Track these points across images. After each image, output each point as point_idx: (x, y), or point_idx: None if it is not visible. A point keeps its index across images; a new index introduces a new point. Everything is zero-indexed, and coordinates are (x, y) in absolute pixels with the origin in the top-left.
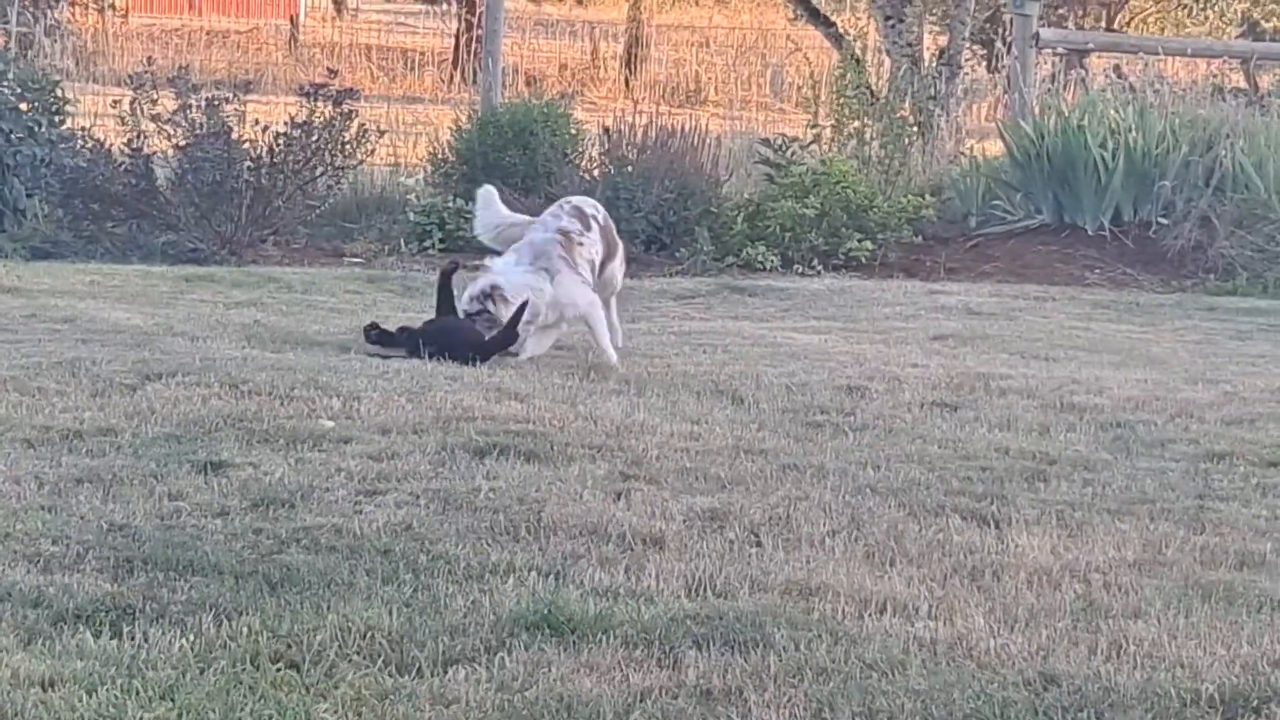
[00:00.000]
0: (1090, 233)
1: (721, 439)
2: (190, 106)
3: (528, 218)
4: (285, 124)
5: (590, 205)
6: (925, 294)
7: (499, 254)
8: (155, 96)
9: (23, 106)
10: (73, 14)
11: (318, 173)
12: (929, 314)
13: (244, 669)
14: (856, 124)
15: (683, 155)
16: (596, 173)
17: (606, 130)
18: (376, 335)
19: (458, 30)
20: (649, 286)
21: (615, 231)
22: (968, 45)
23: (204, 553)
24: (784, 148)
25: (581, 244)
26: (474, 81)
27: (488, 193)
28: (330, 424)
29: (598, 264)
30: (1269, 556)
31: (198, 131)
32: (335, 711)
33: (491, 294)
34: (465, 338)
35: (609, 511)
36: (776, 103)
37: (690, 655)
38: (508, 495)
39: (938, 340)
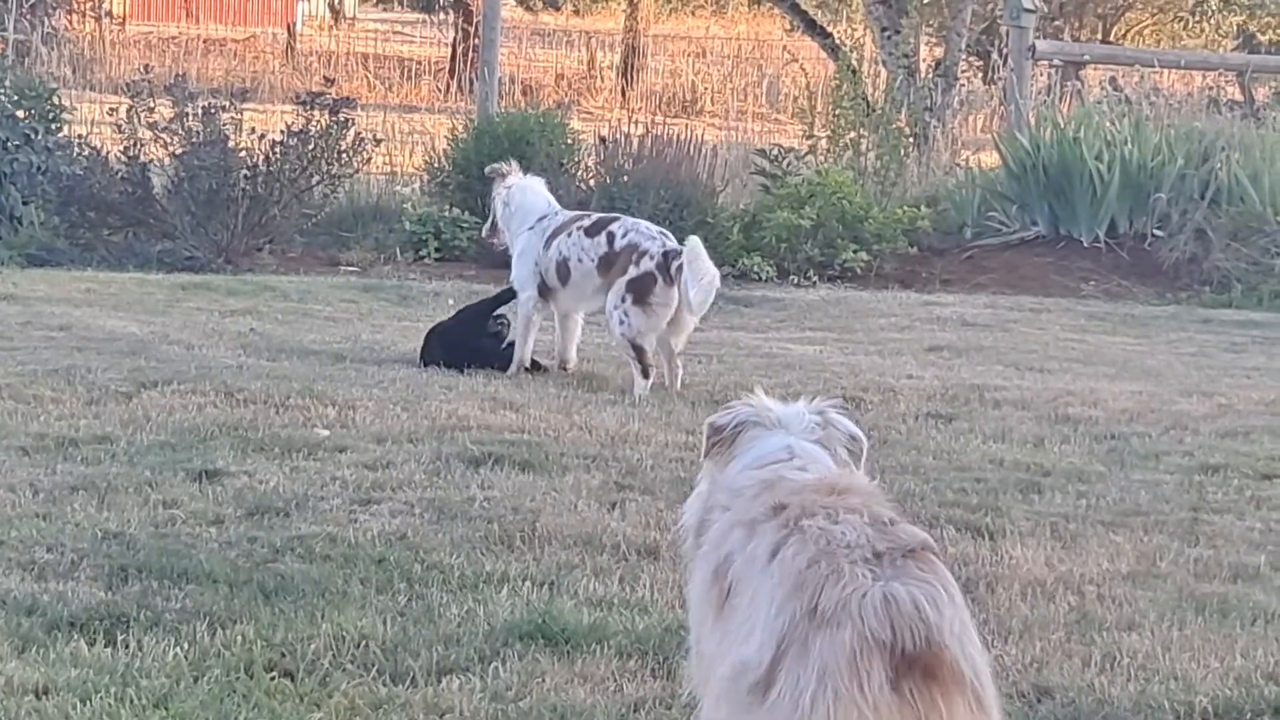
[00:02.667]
0: (1086, 244)
1: None
2: (187, 115)
3: None
4: (282, 132)
5: None
6: (920, 305)
7: None
8: (152, 104)
9: (19, 114)
10: (70, 21)
11: (314, 181)
12: (924, 325)
13: (238, 678)
14: (852, 135)
15: (678, 165)
16: (592, 182)
17: (603, 140)
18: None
19: (454, 39)
20: None
21: None
22: (964, 57)
23: (198, 561)
24: (780, 158)
25: None
26: (470, 91)
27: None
28: (325, 433)
29: None
30: (1263, 569)
31: (194, 140)
32: None
33: None
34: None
35: (603, 521)
36: (773, 113)
37: (684, 666)
38: (502, 505)
39: (933, 351)
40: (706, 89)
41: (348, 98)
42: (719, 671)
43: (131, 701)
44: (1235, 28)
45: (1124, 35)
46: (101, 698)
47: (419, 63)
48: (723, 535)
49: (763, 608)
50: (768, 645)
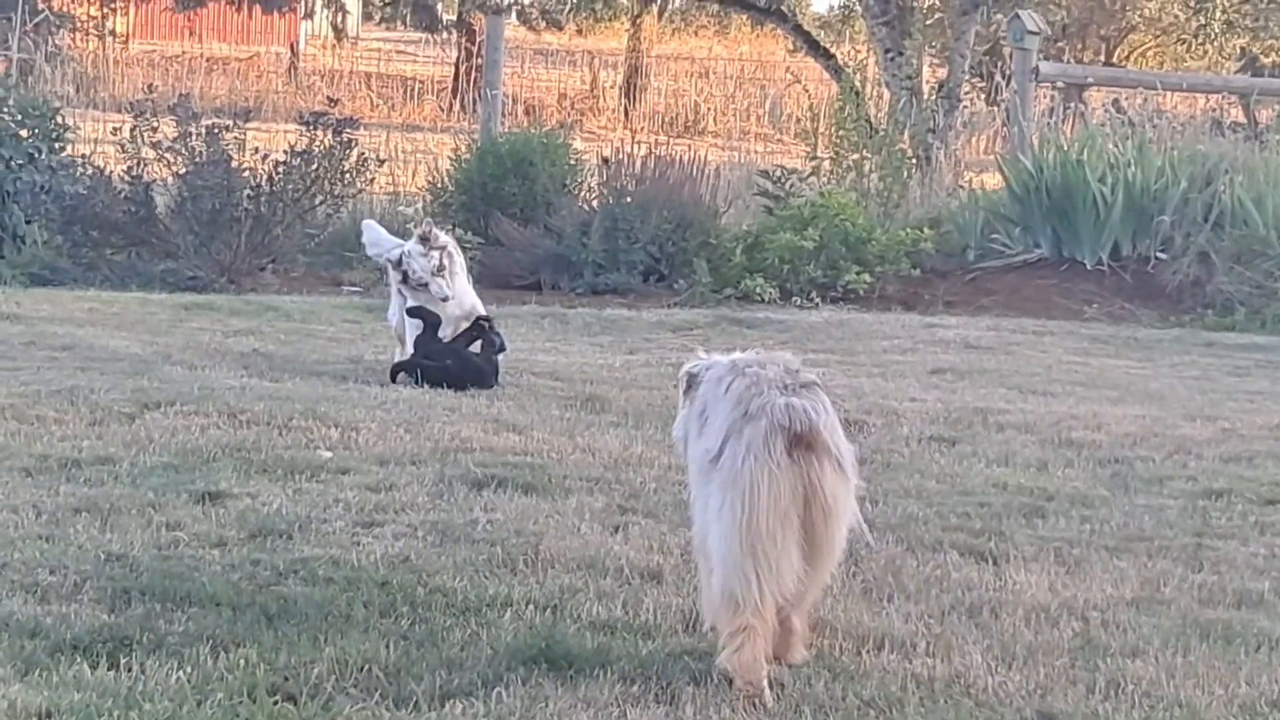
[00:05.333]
0: (1089, 267)
1: None
2: (190, 134)
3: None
4: (285, 152)
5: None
6: (923, 327)
7: None
8: (155, 124)
9: (23, 133)
10: (73, 40)
11: (317, 201)
12: (927, 347)
13: (241, 701)
14: (855, 156)
15: (681, 186)
16: (595, 203)
17: (605, 160)
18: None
19: (457, 59)
20: (647, 317)
21: None
22: (967, 78)
23: (201, 584)
24: (783, 179)
25: None
26: (473, 110)
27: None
28: (328, 454)
29: None
30: (1267, 595)
31: (197, 159)
32: None
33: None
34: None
35: (607, 545)
36: (775, 134)
37: (688, 691)
38: (505, 528)
39: (936, 374)
40: (709, 109)
41: (351, 117)
42: (695, 458)
43: None
44: (1238, 50)
45: (1127, 57)
46: None
47: (422, 82)
48: (703, 393)
49: (720, 417)
50: (720, 435)
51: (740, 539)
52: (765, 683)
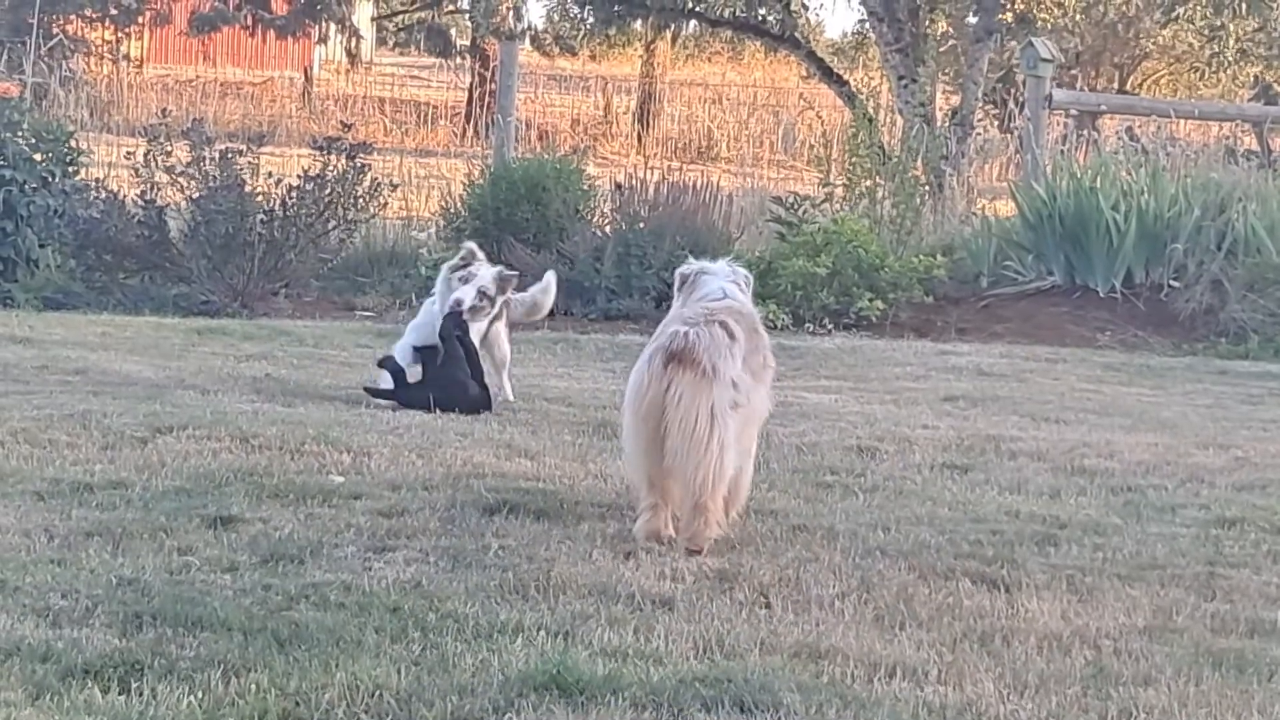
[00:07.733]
0: (1102, 294)
1: None
2: (204, 158)
3: None
4: (298, 177)
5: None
6: (936, 354)
7: None
8: (169, 148)
9: (37, 157)
10: (88, 64)
11: (330, 226)
12: (940, 374)
13: None
14: (869, 183)
15: (694, 212)
16: (608, 229)
17: (618, 186)
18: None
19: (471, 84)
20: None
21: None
22: (980, 105)
23: (213, 608)
24: (796, 206)
25: None
26: (487, 135)
27: None
28: (340, 479)
29: None
30: None
31: (211, 184)
32: None
33: None
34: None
35: (618, 571)
36: (789, 160)
37: (699, 717)
38: (517, 553)
39: (948, 401)
40: (722, 135)
41: (364, 142)
42: None
43: None
44: (1252, 78)
45: (1140, 85)
46: None
47: (436, 107)
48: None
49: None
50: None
51: (630, 438)
52: (662, 535)
